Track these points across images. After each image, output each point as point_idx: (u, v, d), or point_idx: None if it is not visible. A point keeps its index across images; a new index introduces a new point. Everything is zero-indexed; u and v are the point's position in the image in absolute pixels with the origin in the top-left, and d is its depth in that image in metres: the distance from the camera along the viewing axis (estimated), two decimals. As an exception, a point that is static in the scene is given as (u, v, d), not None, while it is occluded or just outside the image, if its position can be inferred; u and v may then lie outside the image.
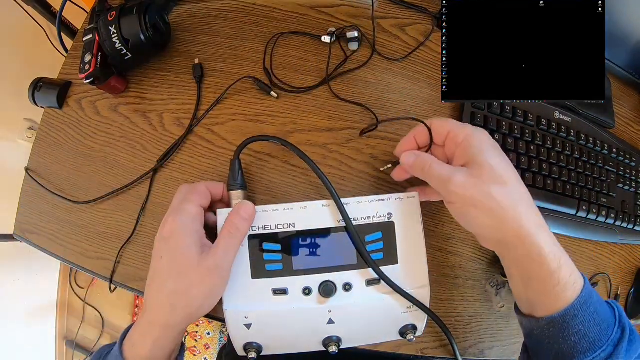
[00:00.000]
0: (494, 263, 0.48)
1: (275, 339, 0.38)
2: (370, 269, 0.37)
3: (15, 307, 1.21)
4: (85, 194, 0.49)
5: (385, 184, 0.48)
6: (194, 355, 1.38)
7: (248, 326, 0.37)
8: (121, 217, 0.47)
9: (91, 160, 0.50)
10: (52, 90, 0.51)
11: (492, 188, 0.31)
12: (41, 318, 1.34)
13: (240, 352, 0.38)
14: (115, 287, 0.47)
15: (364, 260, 0.37)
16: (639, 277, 0.56)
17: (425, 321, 0.41)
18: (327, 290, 0.36)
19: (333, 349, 0.38)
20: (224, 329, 1.37)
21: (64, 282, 1.39)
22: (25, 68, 1.00)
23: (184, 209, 0.35)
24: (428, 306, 0.39)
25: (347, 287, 0.37)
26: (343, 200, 0.37)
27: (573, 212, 0.51)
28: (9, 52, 0.99)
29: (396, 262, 0.38)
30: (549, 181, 0.50)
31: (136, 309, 1.40)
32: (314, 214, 0.37)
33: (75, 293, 1.39)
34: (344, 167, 0.48)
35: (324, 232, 0.38)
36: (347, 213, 0.37)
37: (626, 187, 0.56)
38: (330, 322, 0.38)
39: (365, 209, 0.38)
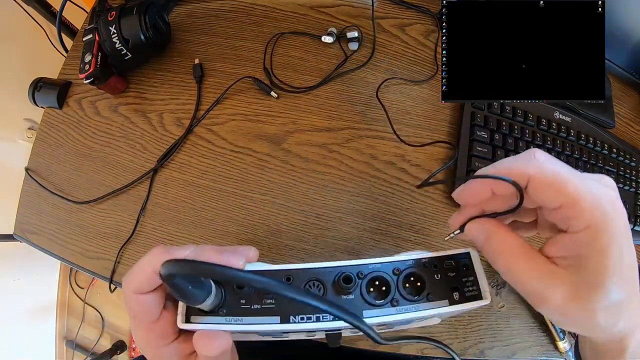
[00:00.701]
0: (494, 263, 0.48)
1: None
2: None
3: (15, 307, 1.20)
4: (85, 194, 0.48)
5: (385, 184, 0.48)
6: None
7: None
8: (121, 217, 0.47)
9: (91, 160, 0.50)
10: (52, 90, 0.51)
11: (601, 317, 0.21)
12: (41, 318, 1.34)
13: None
14: (115, 287, 0.47)
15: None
16: (639, 277, 0.56)
17: None
18: (333, 339, 0.30)
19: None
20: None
21: (64, 282, 1.39)
22: (25, 68, 0.99)
23: (140, 342, 0.25)
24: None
25: (356, 331, 0.33)
26: (381, 319, 0.24)
27: (573, 212, 0.51)
28: (9, 52, 0.99)
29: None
30: (549, 181, 0.50)
31: (136, 309, 1.40)
32: (325, 328, 0.25)
33: (75, 293, 1.39)
34: (344, 167, 0.48)
35: None
36: None
37: (626, 187, 0.56)
38: None
39: (408, 320, 0.26)
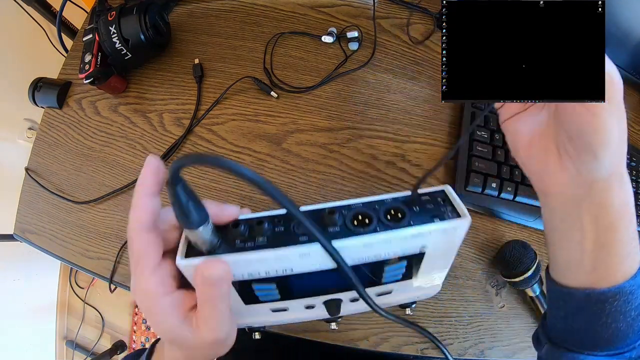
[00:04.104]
0: (494, 263, 0.48)
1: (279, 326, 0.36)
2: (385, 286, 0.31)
3: (15, 307, 1.20)
4: (85, 194, 0.48)
5: (385, 184, 0.48)
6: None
7: (250, 328, 0.36)
8: (121, 217, 0.47)
9: (91, 160, 0.50)
10: (52, 90, 0.51)
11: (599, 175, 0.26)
12: (41, 318, 1.34)
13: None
14: (115, 287, 0.47)
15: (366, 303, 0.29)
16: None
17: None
18: (332, 308, 0.32)
19: (333, 326, 0.37)
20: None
21: (64, 282, 1.39)
22: (25, 68, 0.99)
23: (140, 292, 0.25)
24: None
25: (355, 300, 0.32)
26: (367, 239, 0.25)
27: (573, 212, 0.51)
28: (9, 52, 0.99)
29: (411, 278, 0.32)
30: (549, 181, 0.50)
31: (136, 309, 1.40)
32: (317, 259, 0.26)
33: (75, 293, 1.39)
34: (344, 167, 0.48)
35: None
36: (355, 281, 0.27)
37: (626, 187, 0.56)
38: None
39: (394, 246, 0.27)
